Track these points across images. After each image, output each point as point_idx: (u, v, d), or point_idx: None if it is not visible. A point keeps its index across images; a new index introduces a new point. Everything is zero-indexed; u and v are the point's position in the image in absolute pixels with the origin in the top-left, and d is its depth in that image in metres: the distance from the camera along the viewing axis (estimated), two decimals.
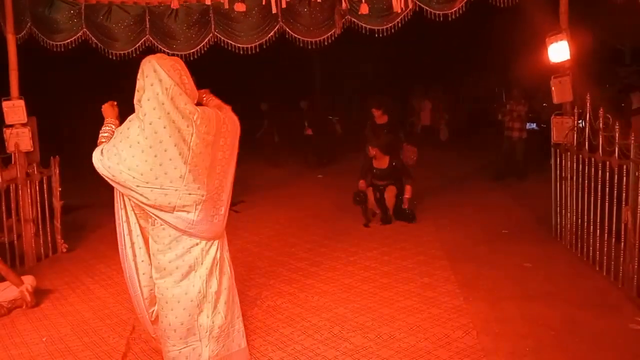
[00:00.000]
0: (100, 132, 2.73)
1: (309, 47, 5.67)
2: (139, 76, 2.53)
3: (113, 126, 2.74)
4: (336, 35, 5.55)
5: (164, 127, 2.47)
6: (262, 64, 12.25)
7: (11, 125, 5.10)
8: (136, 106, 2.52)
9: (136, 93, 2.53)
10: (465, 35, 12.67)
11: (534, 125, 11.30)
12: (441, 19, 5.11)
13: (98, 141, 2.67)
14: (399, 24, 5.31)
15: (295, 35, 5.60)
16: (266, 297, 4.14)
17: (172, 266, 2.69)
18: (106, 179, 2.56)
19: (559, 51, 5.08)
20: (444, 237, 5.60)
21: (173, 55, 5.39)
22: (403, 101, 14.28)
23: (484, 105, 14.72)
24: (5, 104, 5.07)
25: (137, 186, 2.50)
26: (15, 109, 5.08)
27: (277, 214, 7.18)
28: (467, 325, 3.46)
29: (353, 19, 5.40)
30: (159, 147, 2.47)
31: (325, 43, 5.60)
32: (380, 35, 5.39)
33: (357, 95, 15.60)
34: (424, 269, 4.63)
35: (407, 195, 6.33)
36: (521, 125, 8.58)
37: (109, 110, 2.81)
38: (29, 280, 4.17)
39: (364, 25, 5.41)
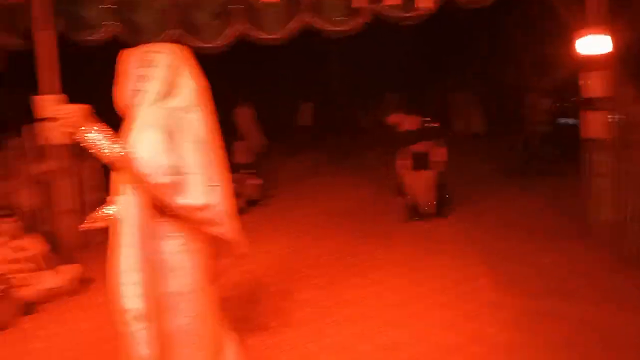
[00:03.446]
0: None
1: (334, 38, 5.63)
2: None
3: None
4: (362, 26, 5.47)
5: None
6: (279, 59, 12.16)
7: (42, 120, 5.23)
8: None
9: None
10: (492, 27, 12.41)
11: (568, 120, 10.92)
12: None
13: None
14: (425, 16, 5.24)
15: (321, 27, 5.54)
16: (297, 290, 4.19)
17: None
18: None
19: (594, 44, 4.94)
20: (474, 234, 5.54)
21: (200, 47, 5.50)
22: (442, 97, 13.93)
23: (513, 98, 14.40)
24: (36, 99, 5.18)
25: None
26: (46, 104, 5.18)
27: (304, 208, 7.23)
28: (501, 321, 3.46)
29: (376, 8, 5.31)
30: None
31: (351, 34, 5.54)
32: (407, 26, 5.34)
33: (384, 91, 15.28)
34: (457, 263, 4.62)
35: (440, 158, 6.23)
36: (545, 119, 8.38)
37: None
38: (71, 269, 4.31)
39: (388, 15, 5.33)
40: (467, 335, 3.30)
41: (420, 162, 6.31)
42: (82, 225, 2.56)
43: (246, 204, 7.28)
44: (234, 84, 11.29)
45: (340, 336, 3.39)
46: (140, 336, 2.24)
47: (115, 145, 2.06)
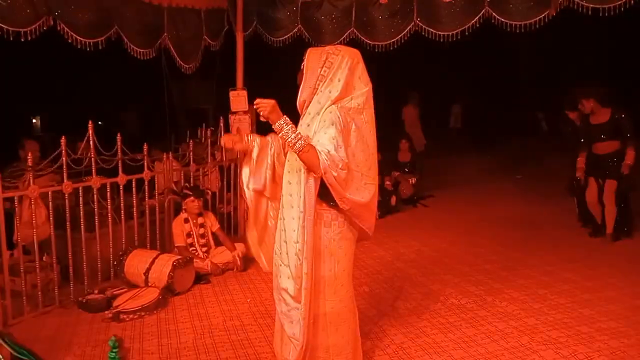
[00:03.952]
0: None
1: (518, 32, 5.16)
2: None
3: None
4: (550, 17, 4.96)
5: None
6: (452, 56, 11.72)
7: (235, 112, 5.86)
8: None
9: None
10: None
11: None
12: None
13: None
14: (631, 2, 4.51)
15: (502, 19, 5.16)
16: (450, 294, 4.07)
17: None
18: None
19: None
20: None
21: (374, 45, 5.63)
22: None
23: None
24: (231, 93, 5.84)
25: None
26: (239, 98, 5.82)
27: (467, 212, 6.97)
28: None
29: None
30: None
31: (535, 27, 5.05)
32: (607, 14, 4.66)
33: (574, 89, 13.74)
34: (636, 289, 4.05)
35: (627, 161, 5.18)
36: None
37: None
38: (240, 248, 4.79)
39: (585, 4, 4.72)
40: None
41: (604, 166, 5.37)
42: (224, 139, 2.82)
43: (402, 202, 7.28)
44: (404, 82, 11.33)
45: (490, 347, 3.20)
46: (293, 315, 2.46)
47: (299, 137, 2.30)
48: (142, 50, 5.24)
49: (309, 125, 2.44)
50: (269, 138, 2.73)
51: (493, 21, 5.07)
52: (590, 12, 4.65)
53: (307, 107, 2.48)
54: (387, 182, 7.13)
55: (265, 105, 2.34)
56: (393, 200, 7.04)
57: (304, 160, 2.32)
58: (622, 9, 4.47)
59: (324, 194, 2.43)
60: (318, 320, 2.53)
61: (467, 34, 5.25)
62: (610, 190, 5.31)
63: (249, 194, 2.75)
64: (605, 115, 5.32)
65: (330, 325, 2.55)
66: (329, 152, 2.27)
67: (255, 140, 2.72)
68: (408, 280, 4.44)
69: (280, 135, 2.35)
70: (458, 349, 3.20)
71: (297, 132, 2.33)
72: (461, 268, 4.70)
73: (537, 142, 10.96)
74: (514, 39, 5.34)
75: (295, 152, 2.31)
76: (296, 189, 2.45)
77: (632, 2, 4.41)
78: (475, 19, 5.15)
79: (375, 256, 4.98)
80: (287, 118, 2.35)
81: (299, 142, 2.29)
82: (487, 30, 5.28)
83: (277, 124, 2.33)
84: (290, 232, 2.47)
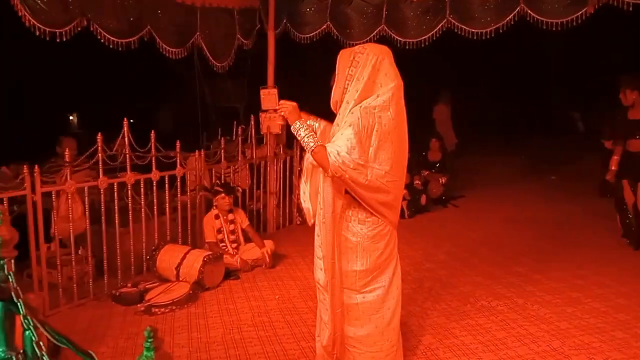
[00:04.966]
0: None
1: (554, 30, 4.91)
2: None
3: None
4: (588, 15, 4.80)
5: None
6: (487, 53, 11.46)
7: (266, 111, 5.89)
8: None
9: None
10: None
11: None
12: None
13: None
14: None
15: (538, 17, 5.03)
16: (480, 296, 4.02)
17: None
18: None
19: None
20: None
21: (405, 42, 5.57)
22: None
23: None
24: (262, 91, 5.87)
25: None
26: (270, 97, 5.83)
27: (498, 212, 6.85)
28: None
29: None
30: None
31: (572, 25, 4.88)
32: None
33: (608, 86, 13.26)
34: None
35: None
36: None
37: None
38: (269, 245, 4.83)
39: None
40: None
41: (636, 166, 5.03)
42: (263, 124, 2.99)
43: (431, 201, 7.20)
44: (436, 80, 11.20)
45: (520, 350, 3.15)
46: (323, 304, 2.62)
47: (311, 138, 2.44)
48: (174, 49, 5.34)
49: (338, 125, 2.51)
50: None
51: (528, 19, 4.94)
52: (631, 8, 4.48)
53: (340, 107, 2.55)
54: (417, 181, 7.07)
55: (287, 107, 2.58)
56: (423, 199, 6.97)
57: (316, 160, 2.45)
58: None
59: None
60: (350, 310, 2.62)
61: (501, 31, 5.16)
62: None
63: (306, 163, 2.75)
64: None
65: (363, 315, 2.61)
66: (338, 152, 2.34)
67: (320, 121, 2.78)
68: (438, 281, 4.40)
69: (295, 135, 2.52)
70: (487, 352, 3.15)
71: (311, 133, 2.48)
72: (492, 270, 4.63)
73: (573, 142, 10.67)
74: (543, 39, 5.07)
75: (308, 152, 2.47)
76: (321, 187, 2.54)
77: None
78: (510, 17, 5.03)
79: (404, 256, 4.91)
80: (304, 120, 2.54)
81: (311, 142, 2.43)
82: (518, 28, 5.16)
83: (293, 124, 2.53)
84: (319, 227, 2.59)
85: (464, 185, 8.20)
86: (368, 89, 2.43)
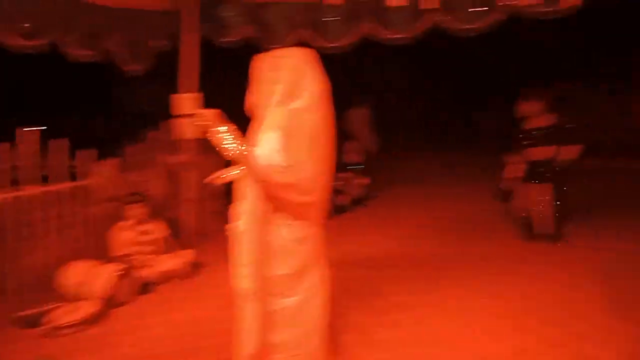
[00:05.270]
0: None
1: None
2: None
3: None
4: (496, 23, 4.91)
5: None
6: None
7: (180, 116, 5.69)
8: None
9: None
10: None
11: None
12: None
13: None
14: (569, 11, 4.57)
15: (450, 26, 5.11)
16: (397, 293, 4.10)
17: None
18: None
19: None
20: (591, 257, 4.90)
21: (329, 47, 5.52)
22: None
23: None
24: (175, 97, 5.65)
25: None
26: (185, 102, 5.62)
27: (415, 210, 7.10)
28: (611, 345, 3.19)
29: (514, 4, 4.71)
30: None
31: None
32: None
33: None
34: (574, 281, 4.27)
35: (567, 155, 5.15)
36: None
37: None
38: (188, 254, 4.68)
39: (527, 11, 4.70)
40: (569, 356, 3.11)
41: (539, 171, 5.33)
42: (206, 179, 2.84)
43: (351, 202, 7.32)
44: (356, 84, 11.42)
45: (436, 348, 3.26)
46: (247, 314, 2.51)
47: (237, 144, 2.33)
48: (84, 53, 5.03)
49: (259, 128, 2.45)
50: None
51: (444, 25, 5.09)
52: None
53: (256, 111, 2.51)
54: (335, 183, 7.14)
55: (207, 114, 2.40)
56: (342, 200, 7.07)
57: (245, 164, 2.38)
58: None
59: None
60: (276, 315, 2.55)
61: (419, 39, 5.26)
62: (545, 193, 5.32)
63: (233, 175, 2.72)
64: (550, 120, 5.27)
65: (290, 319, 2.56)
66: (264, 155, 2.30)
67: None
68: (357, 281, 4.42)
69: (217, 141, 2.37)
70: (405, 347, 3.24)
71: (232, 138, 2.36)
72: (407, 266, 4.77)
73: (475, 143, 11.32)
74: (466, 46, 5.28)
75: (229, 158, 2.36)
76: (244, 192, 2.49)
77: None
78: (423, 26, 5.14)
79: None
80: (228, 126, 2.38)
81: (233, 148, 2.33)
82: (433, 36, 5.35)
83: (217, 129, 2.37)
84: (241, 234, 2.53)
85: (380, 187, 8.36)
86: (293, 92, 2.43)
